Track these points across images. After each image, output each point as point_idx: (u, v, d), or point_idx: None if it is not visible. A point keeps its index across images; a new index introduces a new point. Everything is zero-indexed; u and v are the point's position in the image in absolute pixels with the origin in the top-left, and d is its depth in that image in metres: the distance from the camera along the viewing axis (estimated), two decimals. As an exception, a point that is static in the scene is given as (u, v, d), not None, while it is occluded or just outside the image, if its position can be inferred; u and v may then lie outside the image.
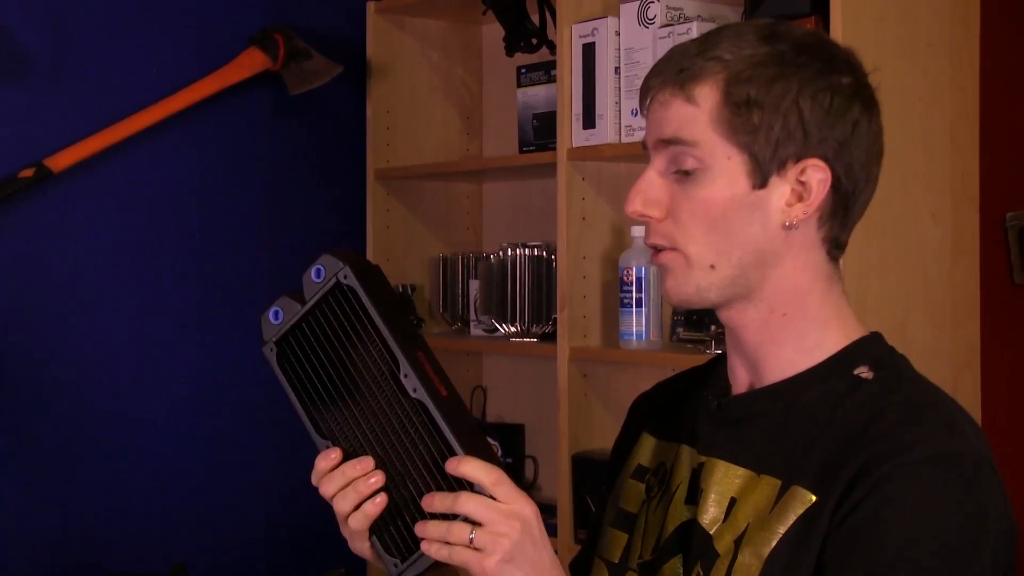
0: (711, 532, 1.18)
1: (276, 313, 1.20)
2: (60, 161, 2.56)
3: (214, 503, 2.81)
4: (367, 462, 1.16)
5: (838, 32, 1.99)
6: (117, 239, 2.70)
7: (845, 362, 1.19)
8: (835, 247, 1.21)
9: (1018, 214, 2.16)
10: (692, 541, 1.19)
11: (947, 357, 2.15)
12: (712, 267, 1.17)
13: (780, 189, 1.16)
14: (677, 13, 2.30)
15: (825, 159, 1.15)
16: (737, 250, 1.16)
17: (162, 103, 2.66)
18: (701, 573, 1.16)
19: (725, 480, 1.18)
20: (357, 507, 1.17)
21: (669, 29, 2.27)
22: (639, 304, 2.38)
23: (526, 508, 1.12)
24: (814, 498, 1.11)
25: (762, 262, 1.17)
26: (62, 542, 2.63)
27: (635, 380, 2.56)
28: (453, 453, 1.10)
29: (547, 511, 2.62)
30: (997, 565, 1.10)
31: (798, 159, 1.15)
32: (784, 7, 2.08)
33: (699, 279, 1.17)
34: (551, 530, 2.51)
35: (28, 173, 2.52)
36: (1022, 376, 2.18)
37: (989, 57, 2.20)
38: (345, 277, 1.16)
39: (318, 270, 1.17)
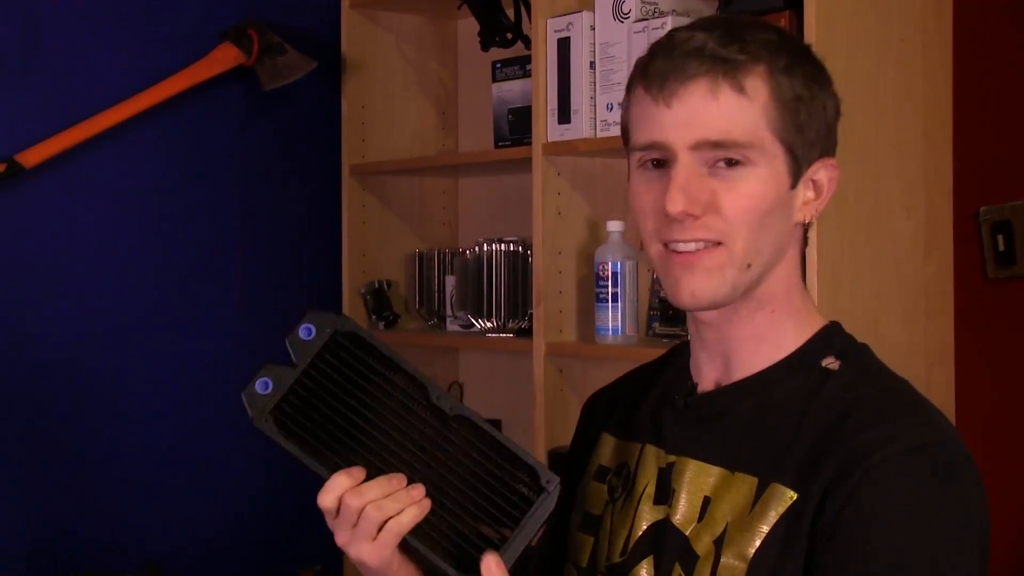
0: (687, 533, 1.16)
1: (265, 384, 1.21)
2: (31, 157, 2.54)
3: (188, 501, 2.79)
4: (400, 477, 1.13)
5: (812, 27, 1.99)
6: (90, 235, 2.68)
7: (812, 354, 1.19)
8: (805, 243, 1.23)
9: (992, 208, 2.17)
10: (665, 542, 1.18)
11: (920, 352, 2.16)
12: (749, 266, 1.14)
13: (802, 187, 1.17)
14: (652, 7, 2.30)
15: (834, 157, 1.19)
16: (769, 248, 1.15)
17: (135, 98, 2.65)
18: (682, 575, 1.15)
19: (697, 479, 1.17)
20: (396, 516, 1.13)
21: (644, 23, 2.26)
22: (615, 299, 2.38)
23: None
24: (795, 495, 1.11)
25: (777, 261, 1.17)
26: (34, 542, 2.61)
27: (611, 375, 2.54)
28: (506, 450, 1.16)
29: (523, 507, 2.63)
30: (983, 550, 1.11)
31: (820, 157, 1.17)
32: (758, 2, 2.09)
33: (736, 277, 1.14)
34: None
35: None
36: (996, 371, 2.19)
37: (962, 52, 2.21)
38: (343, 326, 1.19)
39: (307, 328, 1.19)
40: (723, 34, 1.12)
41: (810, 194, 1.17)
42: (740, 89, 1.11)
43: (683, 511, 1.17)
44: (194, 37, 2.77)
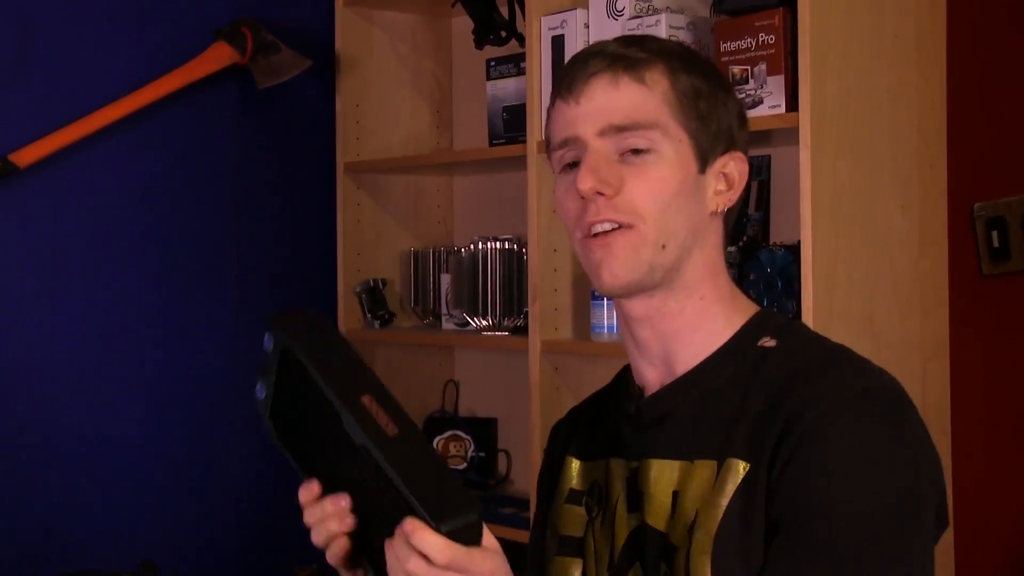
0: (663, 530, 1.19)
1: (260, 389, 1.18)
2: (26, 156, 2.54)
3: (184, 499, 2.79)
4: (342, 499, 1.10)
5: (806, 23, 2.00)
6: (84, 234, 2.68)
7: (748, 337, 1.22)
8: (727, 231, 1.28)
9: (986, 204, 2.18)
10: (646, 545, 1.20)
11: (915, 348, 2.16)
12: (664, 247, 1.19)
13: (712, 177, 1.22)
14: (646, 5, 2.30)
15: (742, 150, 1.24)
16: (683, 230, 1.20)
17: (129, 97, 2.64)
18: (667, 571, 1.17)
19: (662, 477, 1.20)
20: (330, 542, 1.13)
21: (638, 21, 2.26)
22: (611, 298, 2.38)
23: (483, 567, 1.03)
24: (747, 465, 1.14)
25: (692, 245, 1.21)
26: (30, 540, 2.61)
27: (607, 373, 2.54)
28: (403, 498, 1.03)
29: (520, 505, 2.63)
30: (936, 490, 1.15)
31: (725, 151, 1.22)
32: (752, -1, 2.09)
33: (652, 258, 1.19)
34: (523, 523, 2.52)
35: (-7, 168, 2.50)
36: (991, 367, 2.19)
37: (956, 48, 2.21)
38: (286, 340, 1.12)
39: (267, 339, 1.14)
40: (625, 40, 1.23)
41: (721, 186, 1.23)
42: (640, 80, 1.19)
43: (655, 510, 1.20)
44: (188, 36, 2.76)
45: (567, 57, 2.39)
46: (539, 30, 2.45)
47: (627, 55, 1.20)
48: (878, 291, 2.11)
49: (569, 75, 1.21)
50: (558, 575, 1.30)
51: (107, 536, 2.68)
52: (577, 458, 1.33)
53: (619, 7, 2.31)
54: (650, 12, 2.28)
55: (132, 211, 2.73)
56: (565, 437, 1.38)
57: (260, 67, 2.79)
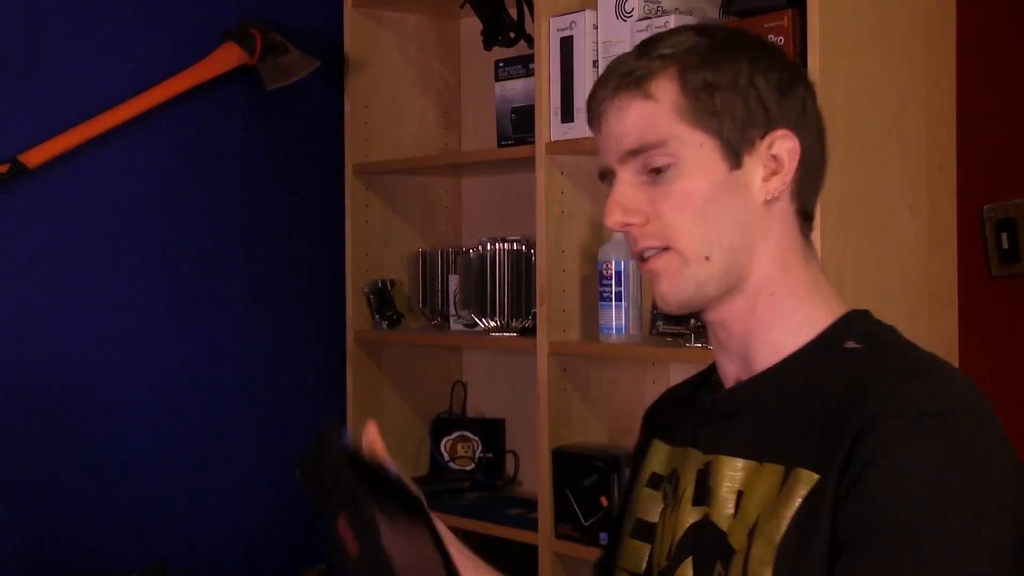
0: (724, 529, 1.16)
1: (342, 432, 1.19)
2: (35, 157, 2.54)
3: (193, 500, 2.80)
4: None
5: (815, 25, 1.99)
6: (93, 235, 2.68)
7: (833, 338, 1.18)
8: (805, 220, 1.22)
9: (996, 206, 2.17)
10: (703, 541, 1.18)
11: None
12: (707, 259, 1.16)
13: (755, 166, 1.17)
14: (655, 6, 2.30)
15: (791, 128, 1.18)
16: (727, 235, 1.16)
17: (138, 98, 2.65)
18: (722, 572, 1.15)
19: (730, 475, 1.17)
20: None
21: (647, 22, 2.26)
22: (619, 298, 2.38)
23: None
24: (817, 476, 1.10)
25: (750, 243, 1.17)
26: (39, 541, 2.61)
27: (615, 374, 2.56)
28: None
29: (528, 506, 2.63)
30: (1013, 518, 1.07)
31: (764, 133, 1.17)
32: (761, 0, 2.08)
33: (697, 274, 1.16)
34: (531, 524, 2.52)
35: (3, 169, 2.51)
36: (1000, 369, 2.19)
37: (965, 49, 2.20)
38: (299, 459, 1.14)
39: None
40: (639, 49, 1.19)
41: (769, 171, 1.17)
42: (647, 95, 1.16)
43: (719, 508, 1.18)
44: (197, 37, 2.77)
45: (575, 58, 2.40)
46: (548, 31, 2.45)
47: (635, 69, 1.17)
48: (887, 293, 2.10)
49: (592, 101, 1.20)
50: (629, 557, 1.29)
51: (117, 537, 2.68)
52: (663, 441, 1.31)
53: (628, 8, 2.31)
54: (659, 13, 2.28)
55: (141, 212, 2.74)
56: (653, 420, 1.37)
57: (269, 68, 2.80)
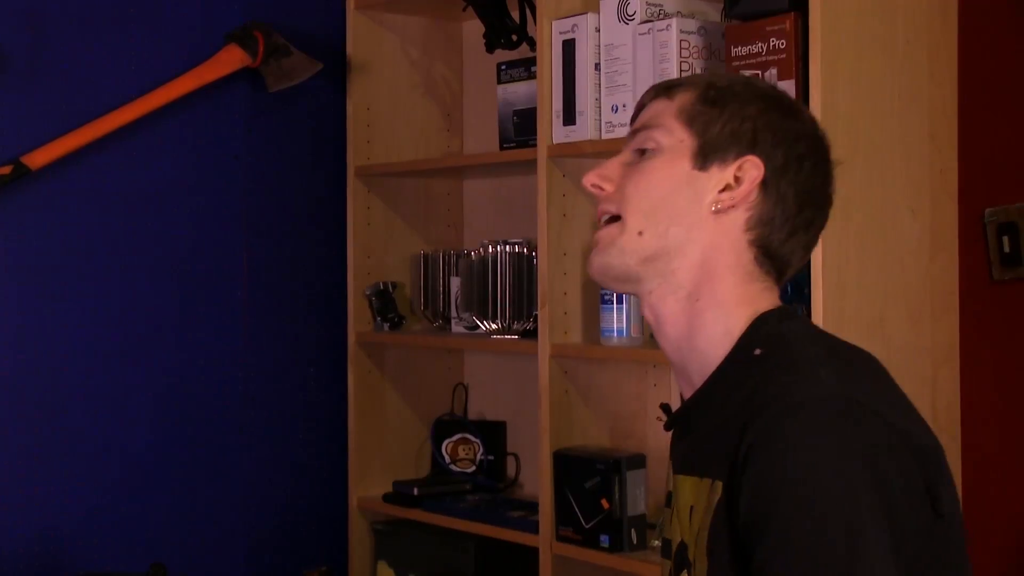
0: (688, 543, 1.23)
1: None
2: (38, 158, 2.54)
3: (194, 501, 2.80)
4: None
5: (816, 29, 1.99)
6: (95, 237, 2.68)
7: (746, 346, 1.22)
8: (764, 254, 1.25)
9: (997, 209, 2.17)
10: (680, 557, 1.24)
11: (926, 353, 2.15)
12: (640, 233, 1.25)
13: (718, 177, 1.25)
14: (657, 9, 2.30)
15: (764, 159, 1.24)
16: (665, 220, 1.24)
17: (140, 100, 2.65)
18: None
19: (683, 493, 1.24)
20: None
21: (649, 25, 2.26)
22: (620, 300, 2.38)
23: None
24: (720, 484, 1.16)
25: (686, 239, 1.24)
26: (41, 541, 2.61)
27: (616, 377, 2.57)
28: None
29: (529, 508, 2.63)
30: (881, 504, 1.08)
31: (740, 155, 1.24)
32: (763, 3, 2.09)
33: (624, 242, 1.26)
34: (532, 527, 2.52)
35: (5, 170, 2.51)
36: (1001, 372, 2.19)
37: (967, 53, 2.21)
38: None
39: None
40: (689, 76, 1.34)
41: (728, 185, 1.24)
42: (670, 97, 1.29)
43: (683, 524, 1.24)
44: (199, 39, 2.77)
45: (577, 61, 2.40)
46: (550, 34, 2.45)
47: (671, 84, 1.30)
48: (888, 296, 2.10)
49: (635, 108, 1.34)
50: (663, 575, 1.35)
51: (118, 539, 2.68)
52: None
53: (630, 11, 2.31)
54: (661, 16, 2.28)
55: (143, 214, 2.74)
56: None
57: (271, 70, 2.80)
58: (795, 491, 1.08)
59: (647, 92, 1.33)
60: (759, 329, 1.23)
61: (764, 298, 1.25)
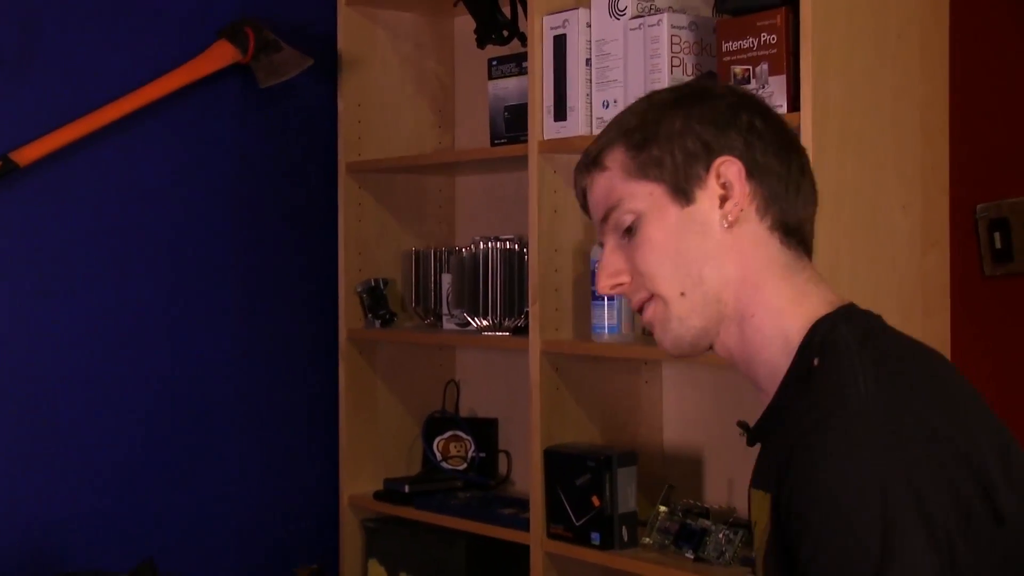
0: (756, 559, 1.23)
1: None
2: (27, 155, 2.53)
3: (185, 498, 2.79)
4: None
5: (808, 24, 1.99)
6: (85, 233, 2.67)
7: (804, 357, 1.21)
8: (786, 233, 1.25)
9: (989, 205, 2.17)
10: (761, 569, 1.24)
11: (918, 348, 2.15)
12: (683, 295, 1.24)
13: (708, 197, 1.24)
14: (648, 4, 2.29)
15: (728, 151, 1.23)
16: (694, 268, 1.24)
17: (131, 96, 2.64)
18: None
19: (754, 507, 1.24)
20: None
21: (640, 20, 2.26)
22: (611, 297, 2.37)
23: None
24: (770, 497, 1.17)
25: (719, 270, 1.23)
26: (30, 539, 2.60)
27: (607, 373, 2.56)
28: None
29: (520, 505, 2.62)
30: (932, 503, 1.06)
31: (708, 165, 1.23)
32: (754, -1, 2.08)
33: (678, 311, 1.25)
34: (523, 524, 2.52)
35: (-6, 167, 2.50)
36: (993, 368, 2.18)
37: (959, 48, 2.20)
38: None
39: None
40: (597, 136, 1.31)
41: (722, 196, 1.24)
42: (602, 168, 1.28)
43: (756, 541, 1.24)
44: (190, 34, 2.76)
45: (569, 57, 2.39)
46: (541, 29, 2.44)
47: (591, 152, 1.29)
48: (880, 292, 2.10)
49: (576, 192, 1.33)
50: None
51: (108, 536, 2.68)
52: None
53: (621, 7, 2.31)
54: (652, 12, 2.28)
55: (133, 210, 2.73)
56: None
57: (262, 66, 2.79)
58: (823, 504, 1.07)
59: (577, 174, 1.32)
60: (814, 337, 1.22)
61: (812, 292, 1.24)
